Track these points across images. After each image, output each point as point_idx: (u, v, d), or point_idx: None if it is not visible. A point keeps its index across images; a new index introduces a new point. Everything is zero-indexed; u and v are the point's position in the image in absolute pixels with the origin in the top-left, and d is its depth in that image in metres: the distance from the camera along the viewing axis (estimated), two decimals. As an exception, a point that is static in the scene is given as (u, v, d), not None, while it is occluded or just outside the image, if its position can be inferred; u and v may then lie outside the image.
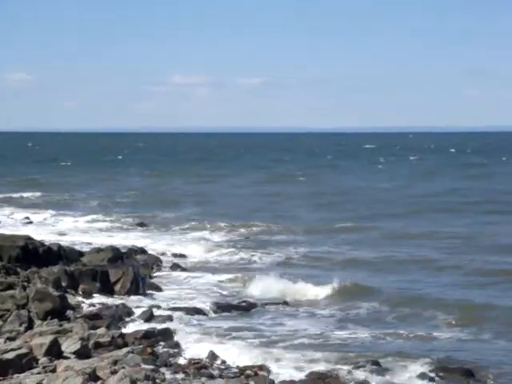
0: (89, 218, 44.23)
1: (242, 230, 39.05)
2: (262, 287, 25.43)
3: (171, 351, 18.55)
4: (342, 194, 57.86)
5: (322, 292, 24.93)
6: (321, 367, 17.39)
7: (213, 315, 22.66)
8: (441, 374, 16.76)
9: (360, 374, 16.79)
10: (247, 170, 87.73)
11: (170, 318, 21.59)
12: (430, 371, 16.96)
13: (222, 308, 23.19)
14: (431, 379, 16.55)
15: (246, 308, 23.41)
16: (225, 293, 25.30)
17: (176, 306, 23.20)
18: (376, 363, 17.58)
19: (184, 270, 29.01)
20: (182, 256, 32.09)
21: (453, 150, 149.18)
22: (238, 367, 17.44)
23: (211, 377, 16.43)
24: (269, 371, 17.16)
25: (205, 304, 23.43)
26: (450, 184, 65.27)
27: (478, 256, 30.62)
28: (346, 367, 17.41)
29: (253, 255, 32.12)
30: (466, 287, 25.56)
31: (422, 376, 16.69)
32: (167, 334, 19.83)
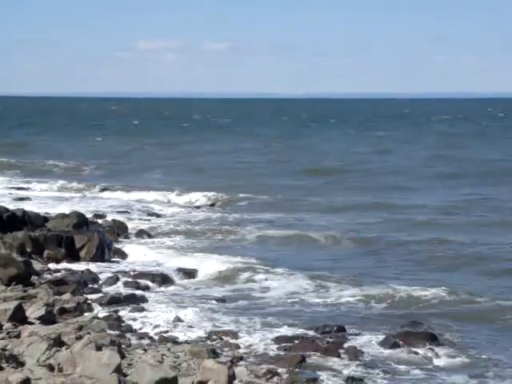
0: (58, 184, 43.92)
1: (210, 197, 38.85)
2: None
3: (137, 316, 18.54)
4: (320, 161, 57.24)
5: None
6: (287, 332, 17.48)
7: (179, 281, 22.60)
8: (405, 339, 16.89)
9: (326, 339, 16.88)
10: (225, 136, 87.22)
11: (135, 284, 21.53)
12: (394, 336, 17.10)
13: (188, 274, 23.13)
14: (395, 344, 16.66)
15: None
16: (191, 259, 25.19)
17: (142, 271, 23.11)
18: (342, 329, 17.68)
19: (150, 236, 28.89)
20: (148, 222, 31.99)
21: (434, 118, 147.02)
22: (204, 332, 17.48)
23: (177, 342, 16.43)
24: (235, 336, 17.22)
25: (171, 270, 23.35)
26: (426, 153, 63.82)
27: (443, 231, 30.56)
28: (311, 332, 17.51)
29: (216, 222, 32.13)
30: (429, 259, 25.47)
31: (386, 341, 16.82)
32: (133, 300, 19.82)
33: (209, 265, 24.11)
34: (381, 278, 22.45)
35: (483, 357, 16.07)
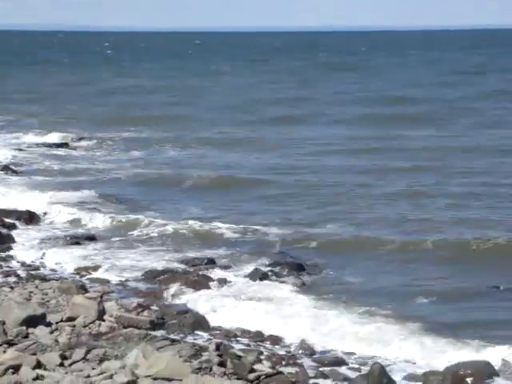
0: None
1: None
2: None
3: (3, 255, 18.17)
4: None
5: None
6: (157, 266, 17.50)
7: (46, 219, 22.06)
8: (274, 269, 17.16)
9: (196, 272, 16.96)
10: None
11: (1, 222, 20.98)
12: (265, 266, 17.34)
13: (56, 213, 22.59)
14: (264, 274, 16.88)
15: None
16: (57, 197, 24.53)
17: (7, 209, 22.41)
18: (211, 261, 17.82)
19: (15, 173, 28.08)
20: (13, 158, 31.15)
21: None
22: (73, 268, 17.34)
23: (45, 279, 16.20)
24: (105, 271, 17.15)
25: (37, 208, 22.77)
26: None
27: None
28: (182, 266, 17.57)
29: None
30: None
31: (256, 272, 16.98)
32: (-1, 238, 19.36)
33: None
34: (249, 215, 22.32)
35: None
